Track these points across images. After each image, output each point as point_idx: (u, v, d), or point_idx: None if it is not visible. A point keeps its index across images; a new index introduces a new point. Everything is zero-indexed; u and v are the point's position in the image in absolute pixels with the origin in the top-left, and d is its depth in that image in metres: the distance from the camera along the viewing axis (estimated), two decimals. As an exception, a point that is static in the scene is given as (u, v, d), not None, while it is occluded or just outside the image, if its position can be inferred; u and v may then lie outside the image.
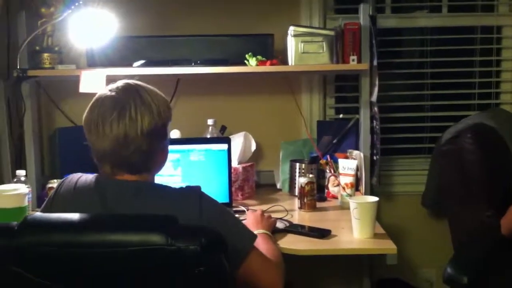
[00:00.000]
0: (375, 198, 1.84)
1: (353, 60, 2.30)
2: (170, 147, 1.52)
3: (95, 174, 1.46)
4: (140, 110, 1.37)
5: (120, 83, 1.43)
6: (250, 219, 1.86)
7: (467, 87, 2.74)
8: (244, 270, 1.41)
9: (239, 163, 2.38)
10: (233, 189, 2.26)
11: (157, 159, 1.45)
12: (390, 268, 2.37)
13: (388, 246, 1.77)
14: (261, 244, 1.58)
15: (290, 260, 1.65)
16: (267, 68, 2.29)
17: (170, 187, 1.45)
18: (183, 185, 1.48)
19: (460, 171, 2.24)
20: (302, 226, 1.95)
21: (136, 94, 1.39)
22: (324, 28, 2.51)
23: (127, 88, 1.41)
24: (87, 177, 1.46)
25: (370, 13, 2.38)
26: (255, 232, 1.70)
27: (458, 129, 2.28)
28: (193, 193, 1.42)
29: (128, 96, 1.38)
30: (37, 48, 2.33)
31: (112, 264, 1.17)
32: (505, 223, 1.81)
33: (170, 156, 1.57)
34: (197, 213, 1.37)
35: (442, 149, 2.33)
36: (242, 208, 2.18)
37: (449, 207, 2.37)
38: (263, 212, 1.92)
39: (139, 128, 1.36)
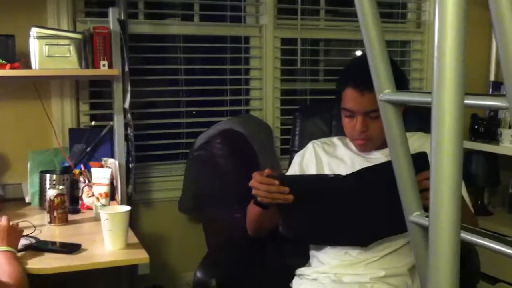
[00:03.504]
0: (127, 208, 1.80)
1: (103, 65, 2.22)
2: None
3: None
4: None
5: None
6: None
7: (220, 94, 2.85)
8: None
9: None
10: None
11: None
12: (152, 275, 2.36)
13: (140, 256, 1.74)
14: (4, 265, 1.42)
15: (40, 281, 1.51)
16: (7, 72, 2.09)
17: None
18: None
19: (213, 175, 2.31)
20: (52, 243, 1.82)
21: None
22: (71, 31, 2.38)
23: None
24: None
25: (122, 17, 2.33)
26: None
27: (209, 135, 2.36)
28: None
29: None
30: None
31: None
32: (247, 223, 1.89)
33: None
34: None
35: (194, 155, 2.39)
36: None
37: (205, 210, 2.43)
38: (9, 222, 1.69)
39: None
